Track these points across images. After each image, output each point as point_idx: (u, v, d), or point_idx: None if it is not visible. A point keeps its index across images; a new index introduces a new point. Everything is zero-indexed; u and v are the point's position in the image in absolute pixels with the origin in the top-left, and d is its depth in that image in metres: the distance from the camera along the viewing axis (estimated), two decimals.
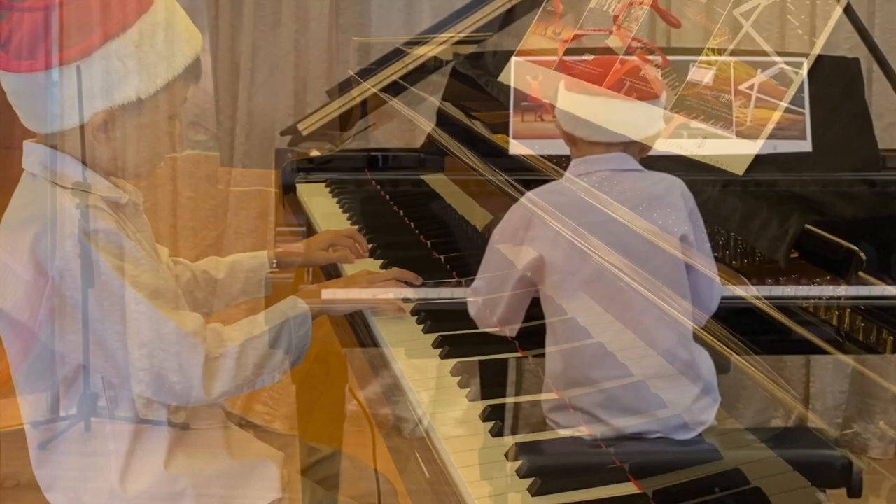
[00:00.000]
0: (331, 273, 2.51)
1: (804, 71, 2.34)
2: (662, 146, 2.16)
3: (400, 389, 2.03)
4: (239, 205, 3.74)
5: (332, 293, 2.19)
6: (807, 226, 2.01)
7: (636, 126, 1.88)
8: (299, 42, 3.78)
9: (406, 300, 2.24)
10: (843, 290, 1.98)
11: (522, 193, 1.92)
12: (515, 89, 2.57)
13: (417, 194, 2.97)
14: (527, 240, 1.85)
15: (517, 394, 1.95)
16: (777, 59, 2.37)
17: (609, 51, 2.43)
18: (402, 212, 2.84)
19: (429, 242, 2.63)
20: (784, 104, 2.31)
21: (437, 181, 2.92)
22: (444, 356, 2.07)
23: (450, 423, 1.90)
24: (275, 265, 2.41)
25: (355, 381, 2.39)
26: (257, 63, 3.71)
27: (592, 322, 1.82)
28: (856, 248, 1.95)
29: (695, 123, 2.32)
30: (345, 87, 3.18)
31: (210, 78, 3.74)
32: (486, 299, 1.94)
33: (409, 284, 2.28)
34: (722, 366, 1.87)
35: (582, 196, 1.85)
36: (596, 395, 1.79)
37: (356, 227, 2.72)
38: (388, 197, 2.97)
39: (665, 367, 1.79)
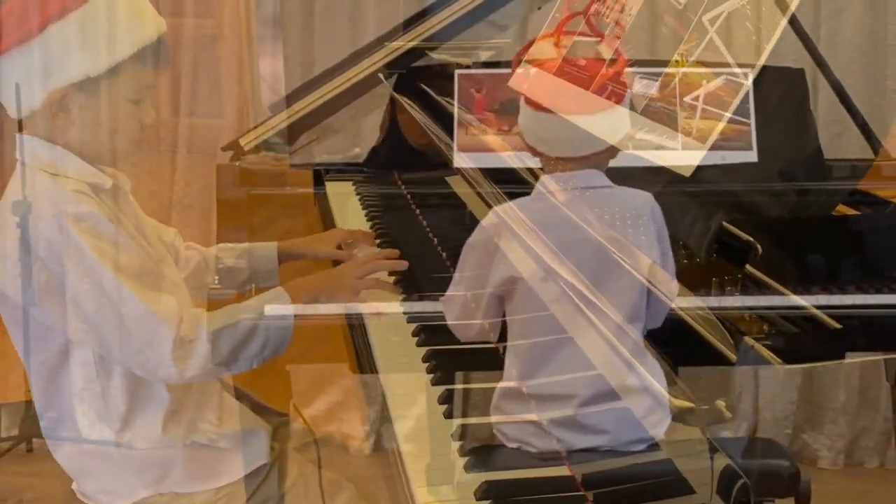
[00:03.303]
0: None
1: (749, 81, 2.34)
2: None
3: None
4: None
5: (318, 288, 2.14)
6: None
7: (596, 138, 1.85)
8: (242, 57, 3.76)
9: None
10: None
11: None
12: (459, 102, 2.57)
13: (437, 196, 2.94)
14: (496, 257, 1.84)
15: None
16: (724, 69, 2.39)
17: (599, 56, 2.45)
18: (417, 211, 2.86)
19: (435, 240, 2.65)
20: (727, 114, 2.30)
21: (459, 184, 2.83)
22: (434, 381, 2.06)
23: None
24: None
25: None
26: (199, 78, 3.67)
27: (552, 339, 1.82)
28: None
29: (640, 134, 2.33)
30: (289, 100, 3.15)
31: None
32: (462, 313, 1.95)
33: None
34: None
35: (549, 215, 1.84)
36: (550, 410, 1.80)
37: (371, 221, 2.79)
38: (408, 196, 2.98)
39: (618, 384, 1.80)
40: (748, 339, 1.85)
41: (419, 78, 3.04)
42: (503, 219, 1.86)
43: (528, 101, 1.90)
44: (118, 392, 2.01)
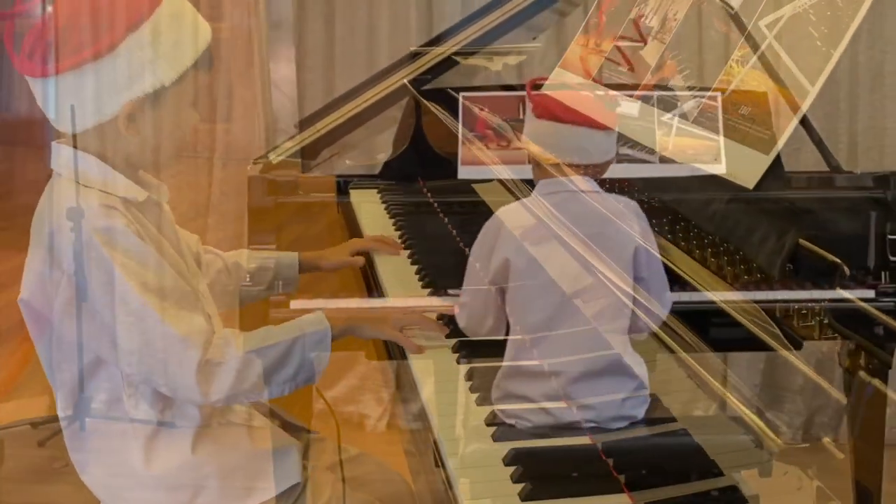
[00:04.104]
0: (369, 279, 2.44)
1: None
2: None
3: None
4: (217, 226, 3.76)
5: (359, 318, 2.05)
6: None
7: (596, 151, 1.93)
8: (265, 89, 3.80)
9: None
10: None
11: None
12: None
13: (464, 202, 2.82)
14: (496, 248, 1.90)
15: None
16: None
17: (642, 61, 2.40)
18: (446, 218, 2.76)
19: (467, 250, 2.45)
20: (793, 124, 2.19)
21: (487, 190, 2.75)
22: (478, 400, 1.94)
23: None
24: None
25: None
26: (234, 100, 3.72)
27: (546, 323, 1.86)
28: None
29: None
30: (312, 119, 3.19)
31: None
32: (474, 313, 1.97)
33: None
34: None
35: (546, 213, 1.89)
36: (543, 386, 1.84)
37: (399, 231, 2.67)
38: (435, 203, 2.89)
39: (604, 367, 1.85)
40: (863, 375, 1.91)
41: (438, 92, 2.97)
42: (502, 217, 1.93)
43: (538, 112, 1.95)
44: (147, 411, 1.92)
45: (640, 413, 1.86)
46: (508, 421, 1.85)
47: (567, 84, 2.59)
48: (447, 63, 3.05)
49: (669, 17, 2.41)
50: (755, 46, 2.24)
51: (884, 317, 2.05)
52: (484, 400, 1.92)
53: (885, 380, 2.32)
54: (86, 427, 1.95)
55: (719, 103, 2.28)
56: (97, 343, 1.86)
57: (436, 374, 2.02)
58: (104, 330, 1.83)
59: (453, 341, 2.08)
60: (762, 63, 2.23)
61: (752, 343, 2.08)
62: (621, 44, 2.53)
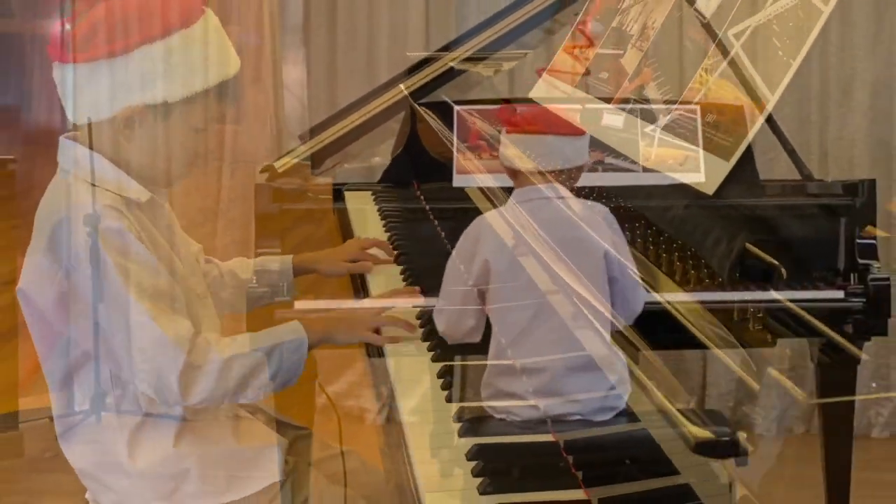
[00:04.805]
0: (358, 284, 2.42)
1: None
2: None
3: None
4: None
5: (335, 324, 2.04)
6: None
7: (564, 158, 1.96)
8: (277, 94, 3.84)
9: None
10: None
11: None
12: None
13: (455, 206, 2.72)
14: (477, 252, 1.92)
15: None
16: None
17: (622, 69, 2.43)
18: (436, 221, 2.75)
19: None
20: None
21: (478, 195, 2.66)
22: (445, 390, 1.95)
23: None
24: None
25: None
26: (242, 112, 3.75)
27: (529, 321, 1.87)
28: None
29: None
30: (317, 129, 3.22)
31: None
32: (453, 317, 1.98)
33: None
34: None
35: (523, 218, 1.92)
36: (529, 382, 1.86)
37: (389, 233, 2.65)
38: (427, 207, 2.87)
39: (587, 362, 1.87)
40: (772, 371, 1.90)
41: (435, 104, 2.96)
42: (481, 223, 1.95)
43: (510, 129, 1.99)
44: (132, 404, 1.91)
45: (622, 404, 1.89)
46: (499, 416, 1.87)
47: (543, 98, 2.60)
48: (444, 76, 3.06)
49: (648, 26, 2.44)
50: (724, 55, 2.26)
51: (811, 317, 2.09)
52: (453, 397, 1.94)
53: (853, 375, 2.36)
54: (73, 418, 1.95)
55: (697, 112, 2.30)
56: (92, 339, 1.86)
57: (409, 371, 2.04)
58: (96, 327, 1.84)
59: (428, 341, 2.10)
60: (730, 72, 2.25)
61: (728, 341, 2.11)
62: (602, 52, 2.55)
